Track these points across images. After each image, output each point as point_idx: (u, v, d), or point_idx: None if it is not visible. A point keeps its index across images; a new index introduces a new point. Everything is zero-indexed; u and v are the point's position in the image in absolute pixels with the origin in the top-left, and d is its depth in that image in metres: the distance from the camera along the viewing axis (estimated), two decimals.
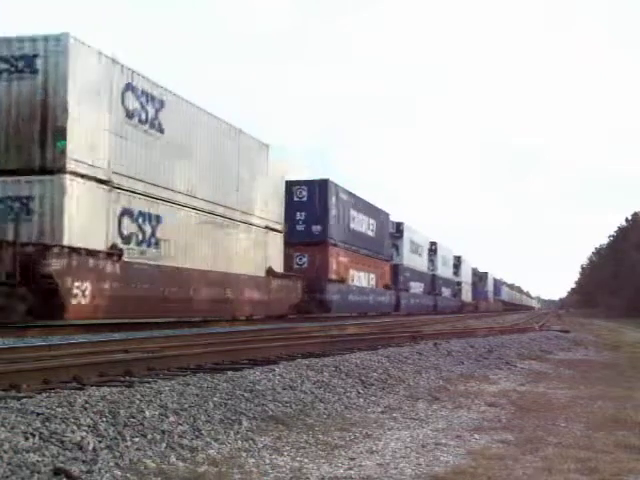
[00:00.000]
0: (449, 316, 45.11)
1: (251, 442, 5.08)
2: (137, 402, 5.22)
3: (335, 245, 30.16)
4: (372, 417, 6.42)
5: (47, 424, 4.37)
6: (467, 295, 72.29)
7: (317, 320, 26.99)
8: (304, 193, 29.00)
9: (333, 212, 29.81)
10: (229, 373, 7.00)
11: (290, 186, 27.20)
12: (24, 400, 4.91)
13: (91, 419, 4.63)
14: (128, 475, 4.01)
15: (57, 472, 3.77)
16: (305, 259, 28.89)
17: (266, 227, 23.35)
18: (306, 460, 4.68)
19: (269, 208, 23.57)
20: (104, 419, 4.71)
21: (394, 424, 6.11)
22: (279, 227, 24.43)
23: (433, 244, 56.02)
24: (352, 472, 4.40)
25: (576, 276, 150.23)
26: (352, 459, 4.75)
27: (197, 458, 4.54)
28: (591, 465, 4.67)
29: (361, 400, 7.27)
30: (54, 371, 6.44)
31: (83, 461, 4.03)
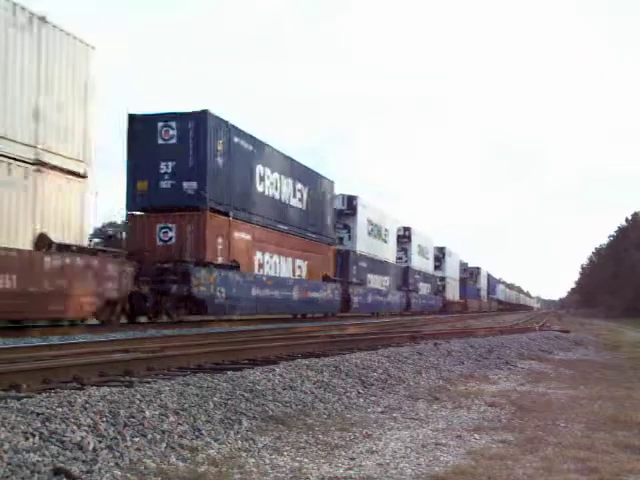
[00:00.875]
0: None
1: (251, 442, 5.08)
2: (137, 402, 5.22)
3: (220, 212, 20.48)
4: (372, 417, 6.42)
5: (47, 424, 4.37)
6: (453, 293, 62.96)
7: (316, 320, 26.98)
8: (173, 133, 19.34)
9: (219, 162, 20.17)
10: (229, 373, 7.00)
11: (152, 122, 19.31)
12: (24, 400, 4.91)
13: (91, 419, 4.63)
14: (128, 475, 4.01)
15: (57, 472, 3.77)
16: (172, 233, 19.36)
17: (37, 163, 13.87)
18: (306, 460, 4.68)
19: (52, 131, 14.35)
20: (104, 419, 4.71)
21: (394, 424, 6.11)
22: (80, 169, 15.05)
23: (406, 230, 46.40)
24: (352, 472, 4.40)
25: (576, 276, 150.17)
26: (352, 459, 4.75)
27: (197, 458, 4.54)
28: (591, 465, 4.67)
29: (361, 400, 7.27)
30: (54, 371, 6.45)
31: (83, 461, 4.03)
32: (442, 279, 58.32)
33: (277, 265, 25.00)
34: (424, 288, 51.55)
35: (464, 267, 71.35)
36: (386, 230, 40.67)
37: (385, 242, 40.46)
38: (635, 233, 77.00)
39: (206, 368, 7.90)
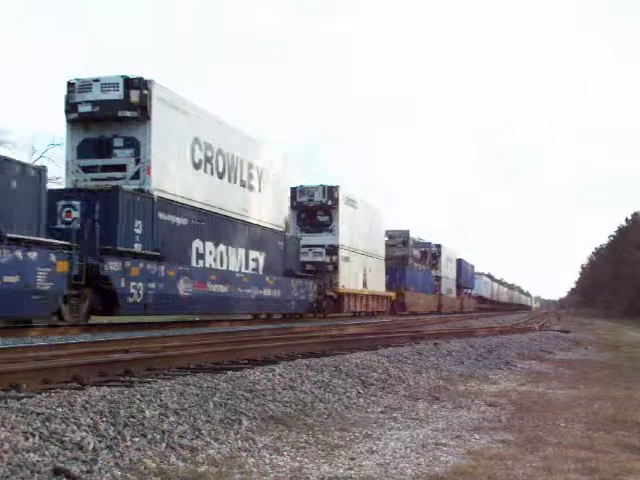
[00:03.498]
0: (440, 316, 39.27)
1: (251, 442, 5.08)
2: (137, 402, 5.22)
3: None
4: (372, 417, 6.42)
5: (47, 424, 4.37)
6: (374, 281, 37.89)
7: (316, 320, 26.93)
8: None
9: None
10: (229, 373, 7.00)
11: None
12: (24, 400, 4.91)
13: (91, 419, 4.63)
14: (128, 475, 4.01)
15: (57, 472, 3.77)
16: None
17: None
18: (306, 460, 4.68)
19: None
20: (104, 419, 4.71)
21: (394, 424, 6.11)
22: None
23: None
24: (352, 472, 4.40)
25: (576, 276, 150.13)
26: (352, 459, 4.75)
27: (197, 458, 4.54)
28: (591, 465, 4.67)
29: (361, 400, 7.27)
30: (54, 371, 6.45)
31: (83, 461, 4.03)
32: (331, 250, 32.20)
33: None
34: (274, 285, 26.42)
35: (400, 236, 47.16)
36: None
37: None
38: (635, 233, 77.00)
39: (206, 368, 7.91)
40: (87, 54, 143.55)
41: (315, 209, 32.38)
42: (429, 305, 50.86)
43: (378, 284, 39.29)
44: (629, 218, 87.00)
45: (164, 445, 4.64)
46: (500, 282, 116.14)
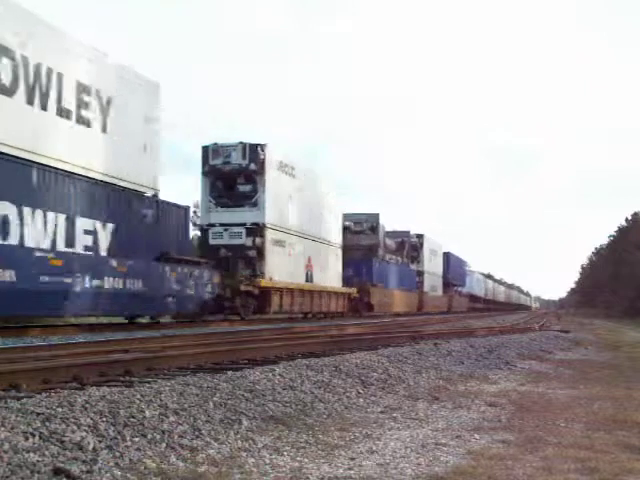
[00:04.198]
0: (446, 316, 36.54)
1: (251, 442, 5.08)
2: (137, 402, 5.22)
3: None
4: (372, 417, 6.42)
5: (47, 424, 4.37)
6: (324, 275, 29.90)
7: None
8: None
9: None
10: (229, 373, 7.01)
11: None
12: (24, 400, 4.92)
13: (91, 419, 4.63)
14: (128, 475, 4.01)
15: (57, 472, 3.77)
16: None
17: None
18: (306, 460, 4.68)
19: None
20: (104, 419, 4.71)
21: (394, 424, 6.11)
22: None
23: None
24: (352, 472, 4.40)
25: (576, 276, 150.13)
26: (352, 459, 4.75)
27: (197, 458, 4.54)
28: (591, 465, 4.67)
29: (361, 400, 7.27)
30: (54, 371, 6.45)
31: (83, 461, 4.03)
32: (254, 230, 23.83)
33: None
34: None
35: (367, 220, 38.60)
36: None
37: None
38: (635, 233, 77.01)
39: (206, 368, 7.91)
40: None
41: (234, 175, 23.88)
42: (407, 304, 42.89)
43: (331, 278, 30.68)
44: (629, 218, 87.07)
45: (164, 445, 4.64)
46: (496, 280, 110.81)
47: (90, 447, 4.23)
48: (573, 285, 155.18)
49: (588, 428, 6.11)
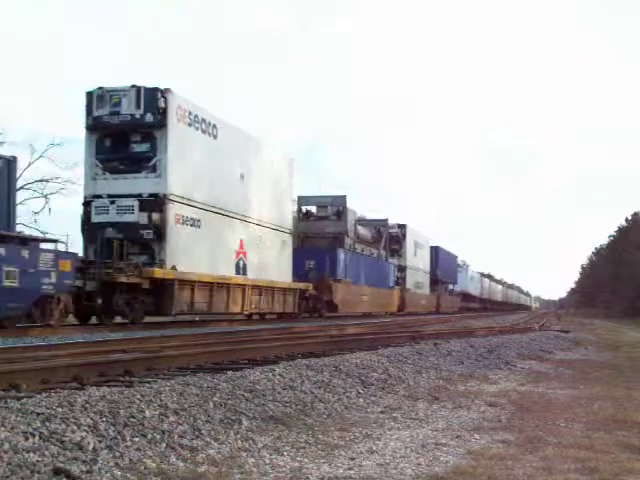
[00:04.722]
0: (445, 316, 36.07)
1: (251, 442, 5.08)
2: (137, 402, 5.22)
3: None
4: (372, 417, 6.42)
5: (47, 424, 4.37)
6: (267, 266, 23.68)
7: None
8: None
9: None
10: (229, 373, 7.01)
11: None
12: (24, 400, 4.92)
13: (91, 419, 4.63)
14: (128, 475, 4.01)
15: (57, 472, 3.77)
16: None
17: None
18: (306, 460, 4.68)
19: None
20: (104, 419, 4.71)
21: (394, 424, 6.11)
22: None
23: None
24: (352, 472, 4.40)
25: (576, 276, 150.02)
26: (352, 459, 4.75)
27: (197, 458, 4.54)
28: (591, 465, 4.67)
29: (361, 400, 7.27)
30: (54, 371, 6.45)
31: (83, 461, 4.03)
32: (152, 203, 18.18)
33: None
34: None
35: (333, 204, 32.93)
36: None
37: None
38: (635, 233, 77.03)
39: (206, 368, 7.91)
40: (87, 53, 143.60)
41: (126, 130, 18.13)
42: (383, 303, 36.90)
43: (276, 271, 24.10)
44: (629, 218, 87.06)
45: (164, 445, 4.64)
46: (494, 279, 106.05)
47: (90, 447, 4.22)
48: (573, 285, 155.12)
49: (588, 428, 6.11)
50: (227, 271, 20.79)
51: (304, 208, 32.55)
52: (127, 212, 17.88)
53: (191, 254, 18.91)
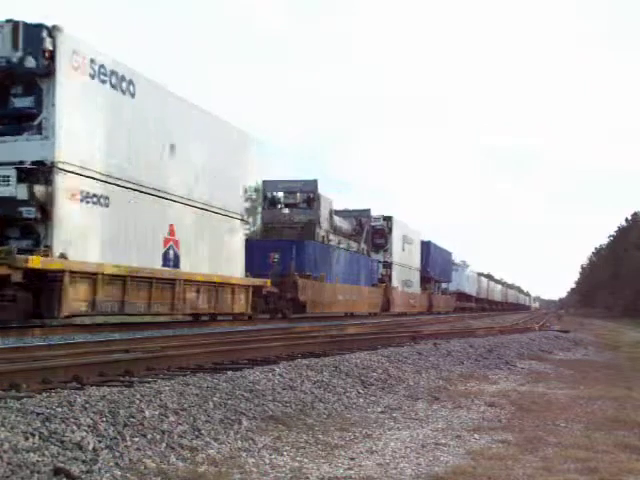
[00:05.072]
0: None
1: (251, 442, 5.08)
2: (137, 402, 5.22)
3: None
4: (372, 417, 6.42)
5: (47, 424, 4.37)
6: (209, 258, 19.11)
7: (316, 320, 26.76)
8: None
9: None
10: (229, 373, 7.00)
11: None
12: (24, 400, 4.91)
13: (91, 419, 4.63)
14: (128, 475, 4.01)
15: (57, 472, 3.77)
16: None
17: None
18: (306, 460, 4.68)
19: None
20: (104, 419, 4.71)
21: (394, 424, 6.11)
22: None
23: None
24: (352, 472, 4.40)
25: (576, 276, 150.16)
26: (352, 459, 4.75)
27: (197, 458, 4.54)
28: (591, 465, 4.67)
29: (361, 400, 7.27)
30: (54, 371, 6.44)
31: (83, 461, 4.03)
32: (33, 173, 13.50)
33: None
34: None
35: (303, 190, 28.74)
36: None
37: None
38: (635, 233, 77.06)
39: (206, 368, 7.90)
40: None
41: (2, 79, 13.78)
42: (362, 303, 32.38)
43: (222, 264, 19.93)
44: (629, 218, 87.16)
45: (164, 445, 4.64)
46: (493, 278, 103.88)
47: (90, 447, 4.22)
48: (573, 285, 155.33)
49: (588, 428, 6.12)
50: (149, 262, 16.37)
51: (270, 195, 28.51)
52: (1, 184, 13.45)
53: (93, 240, 14.67)
